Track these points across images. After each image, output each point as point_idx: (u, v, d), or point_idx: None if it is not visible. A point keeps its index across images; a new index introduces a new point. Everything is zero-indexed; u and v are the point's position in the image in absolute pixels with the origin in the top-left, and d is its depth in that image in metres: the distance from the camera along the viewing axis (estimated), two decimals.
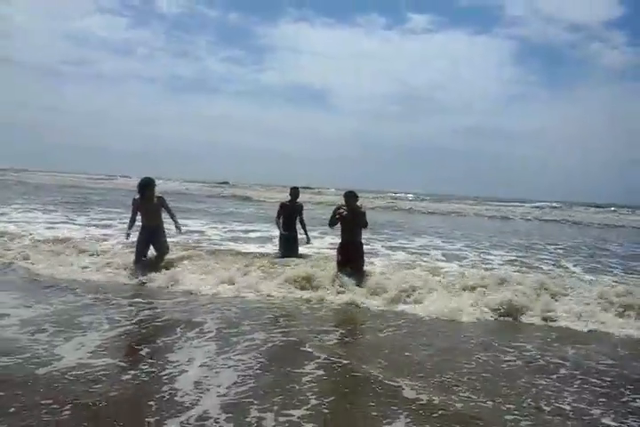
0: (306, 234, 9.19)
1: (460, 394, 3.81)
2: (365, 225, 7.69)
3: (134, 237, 8.22)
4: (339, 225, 7.77)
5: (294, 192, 9.15)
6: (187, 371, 4.03)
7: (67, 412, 3.21)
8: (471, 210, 35.29)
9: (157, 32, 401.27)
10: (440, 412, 3.46)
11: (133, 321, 5.43)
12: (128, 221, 8.30)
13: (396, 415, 3.37)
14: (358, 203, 7.82)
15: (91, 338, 4.74)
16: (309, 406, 3.47)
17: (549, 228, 24.78)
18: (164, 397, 3.50)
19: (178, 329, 5.20)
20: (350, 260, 7.61)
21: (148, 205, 8.15)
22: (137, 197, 8.18)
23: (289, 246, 9.00)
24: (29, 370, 3.86)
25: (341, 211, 7.65)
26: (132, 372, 3.96)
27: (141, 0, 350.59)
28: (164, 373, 3.97)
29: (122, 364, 4.15)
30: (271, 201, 29.50)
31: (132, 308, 5.98)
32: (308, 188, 47.18)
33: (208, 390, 3.66)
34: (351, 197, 7.74)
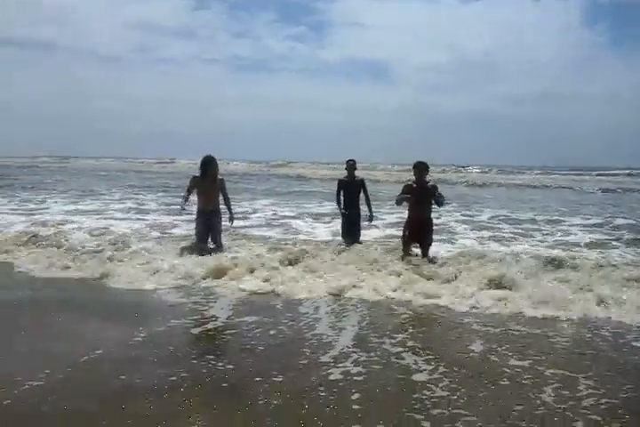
0: (370, 211, 8.47)
1: None
2: (440, 202, 7.29)
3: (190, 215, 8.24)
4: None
5: (350, 166, 8.27)
6: (320, 318, 5.20)
7: (236, 357, 4.12)
8: (538, 180, 34.28)
9: (218, 13, 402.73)
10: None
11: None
12: (181, 198, 7.90)
13: (471, 340, 4.67)
14: (428, 177, 7.47)
15: (230, 299, 5.88)
16: (407, 332, 4.86)
17: (622, 197, 23.86)
18: (312, 341, 4.52)
19: None
20: (418, 236, 7.45)
21: (208, 186, 7.71)
22: (197, 174, 7.79)
23: (351, 229, 8.39)
24: (188, 329, 4.85)
25: (410, 184, 7.35)
26: (278, 327, 4.90)
27: None
28: (302, 323, 5.03)
29: (265, 319, 5.13)
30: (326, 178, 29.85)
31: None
32: (370, 164, 46.53)
33: (340, 330, 4.84)
34: (421, 168, 7.34)
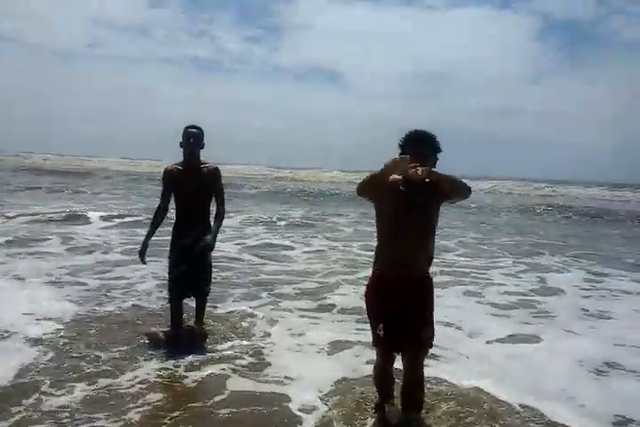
0: (215, 229, 4.17)
1: None
2: (464, 189, 2.65)
3: None
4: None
5: (190, 136, 4.07)
6: None
7: None
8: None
9: (175, 12, 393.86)
10: None
11: None
12: None
13: None
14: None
15: None
16: None
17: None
18: None
19: None
20: (398, 323, 2.78)
21: None
22: None
23: (191, 271, 4.14)
24: None
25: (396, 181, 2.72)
26: None
27: None
28: None
29: None
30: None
31: None
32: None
33: None
34: (424, 145, 2.72)
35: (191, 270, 4.11)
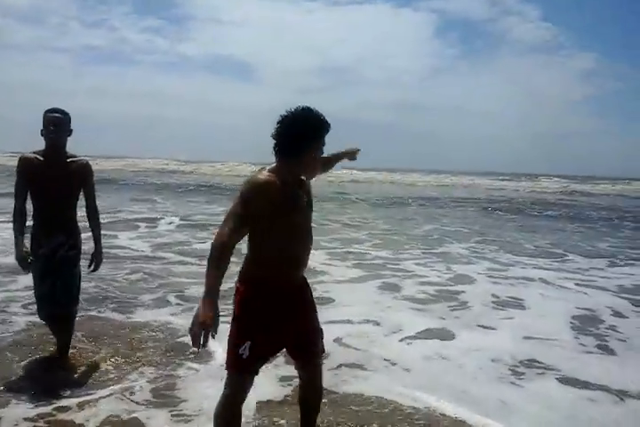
0: (96, 239, 3.62)
1: None
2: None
3: None
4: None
5: (53, 123, 3.32)
6: None
7: None
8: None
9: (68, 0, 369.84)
10: None
11: None
12: None
13: None
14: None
15: None
16: None
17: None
18: None
19: None
20: (294, 337, 2.39)
21: None
22: None
23: (54, 288, 3.45)
24: None
25: (269, 180, 2.15)
26: None
27: None
28: None
29: None
30: None
31: None
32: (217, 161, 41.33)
33: None
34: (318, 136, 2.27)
35: (54, 287, 3.43)
